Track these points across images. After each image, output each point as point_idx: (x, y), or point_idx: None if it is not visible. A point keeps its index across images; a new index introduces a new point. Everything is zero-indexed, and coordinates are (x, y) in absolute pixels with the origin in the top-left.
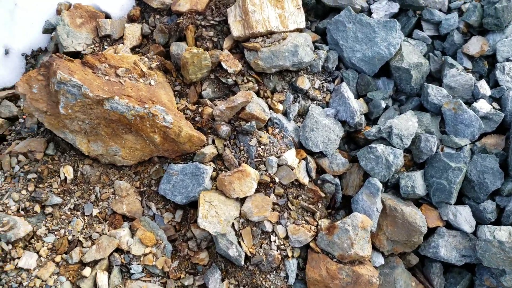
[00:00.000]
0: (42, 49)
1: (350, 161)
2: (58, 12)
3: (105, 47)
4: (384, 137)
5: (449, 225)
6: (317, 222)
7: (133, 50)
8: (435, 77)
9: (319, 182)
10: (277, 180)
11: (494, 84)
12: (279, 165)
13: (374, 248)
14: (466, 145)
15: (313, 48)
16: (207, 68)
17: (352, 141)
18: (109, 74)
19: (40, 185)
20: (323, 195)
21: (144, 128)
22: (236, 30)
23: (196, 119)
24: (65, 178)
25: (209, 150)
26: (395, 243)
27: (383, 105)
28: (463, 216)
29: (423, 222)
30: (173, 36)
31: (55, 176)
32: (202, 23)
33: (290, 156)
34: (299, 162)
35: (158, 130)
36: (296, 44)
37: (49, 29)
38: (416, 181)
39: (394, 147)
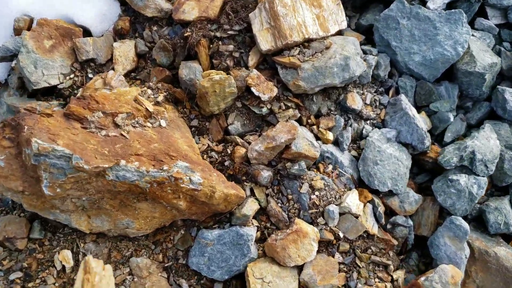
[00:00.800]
0: (1, 82)
1: (417, 190)
2: (17, 31)
3: (90, 75)
4: (466, 165)
5: None
6: (392, 276)
7: (127, 76)
8: (506, 76)
9: (388, 226)
10: (341, 235)
11: None
12: (340, 214)
13: None
14: None
15: (363, 55)
16: (232, 96)
17: (416, 164)
18: (106, 127)
19: (30, 285)
20: (395, 242)
21: (164, 195)
22: (265, 41)
23: (226, 163)
24: (63, 267)
25: (251, 208)
26: None
27: (451, 119)
28: None
29: None
30: (180, 55)
31: (48, 267)
32: (217, 34)
33: (353, 201)
34: (364, 206)
35: (183, 195)
36: (346, 56)
37: (7, 57)
38: (508, 216)
39: (478, 175)
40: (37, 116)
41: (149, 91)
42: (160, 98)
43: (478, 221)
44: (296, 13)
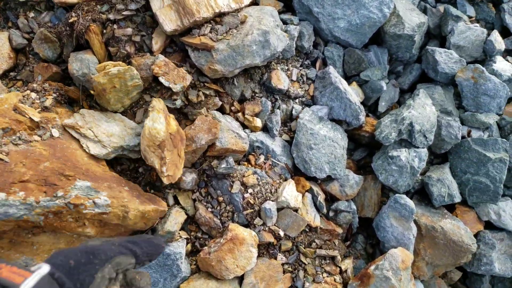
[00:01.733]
0: None
1: (356, 169)
2: None
3: None
4: (405, 138)
5: (488, 225)
6: (340, 268)
7: (4, 77)
8: (433, 34)
9: (331, 214)
10: (281, 233)
11: (506, 32)
12: (278, 209)
13: (414, 276)
14: (493, 123)
15: (283, 26)
16: (137, 89)
17: (351, 139)
18: None
19: None
20: (340, 231)
21: (65, 225)
22: (169, 21)
23: (140, 169)
24: None
25: (176, 221)
26: (437, 267)
27: (384, 87)
28: (508, 213)
29: (471, 238)
30: (68, 45)
31: None
32: (111, 16)
33: (290, 193)
34: (302, 196)
35: (89, 221)
36: (265, 30)
37: None
38: (451, 187)
39: (418, 147)
40: None
41: (33, 95)
42: (49, 101)
43: (421, 194)
44: None
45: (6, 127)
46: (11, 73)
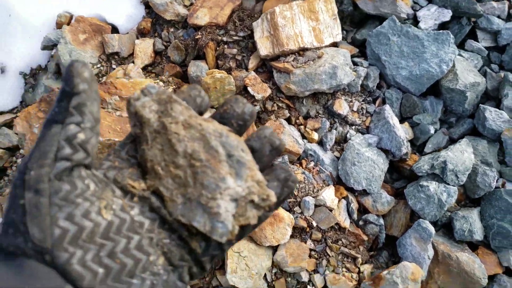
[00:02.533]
0: (42, 67)
1: (393, 194)
2: (58, 25)
3: (113, 66)
4: (437, 174)
5: (509, 271)
6: (359, 268)
7: (145, 69)
8: (491, 96)
9: (361, 223)
10: (314, 224)
11: None
12: (316, 206)
13: None
14: None
15: (352, 66)
16: (230, 93)
17: (396, 170)
18: (120, 109)
19: None
20: (365, 238)
21: None
22: (264, 47)
23: None
24: None
25: None
26: None
27: (432, 131)
28: None
29: (483, 273)
30: (191, 54)
31: None
32: (224, 38)
33: (329, 196)
34: (338, 201)
35: None
36: (335, 65)
37: (49, 46)
38: (473, 224)
39: (448, 184)
40: None
41: (161, 83)
42: (170, 90)
43: (447, 229)
44: (294, 24)
45: None
46: (149, 68)
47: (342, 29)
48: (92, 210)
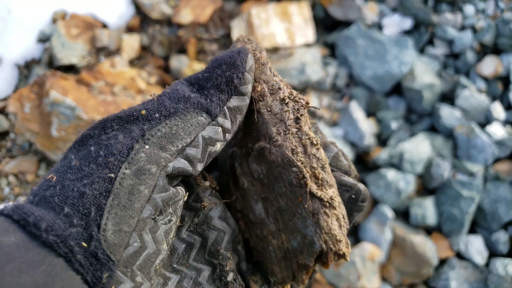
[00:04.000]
0: (35, 60)
1: None
2: (54, 21)
3: (102, 59)
4: (395, 163)
5: (460, 255)
6: None
7: (131, 62)
8: (448, 97)
9: None
10: None
11: (509, 106)
12: None
13: (383, 278)
14: (478, 172)
15: (322, 65)
16: None
17: (361, 163)
18: (105, 93)
19: None
20: None
21: None
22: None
23: None
24: None
25: None
26: (404, 274)
27: (394, 126)
28: (475, 247)
29: (433, 253)
30: (174, 49)
31: None
32: (205, 36)
33: None
34: None
35: None
36: (304, 62)
37: (44, 39)
38: (427, 210)
39: (405, 172)
40: (57, 78)
41: (144, 74)
42: (152, 80)
43: (406, 216)
44: (269, 25)
45: (124, 85)
46: (136, 61)
47: (316, 32)
48: (173, 229)
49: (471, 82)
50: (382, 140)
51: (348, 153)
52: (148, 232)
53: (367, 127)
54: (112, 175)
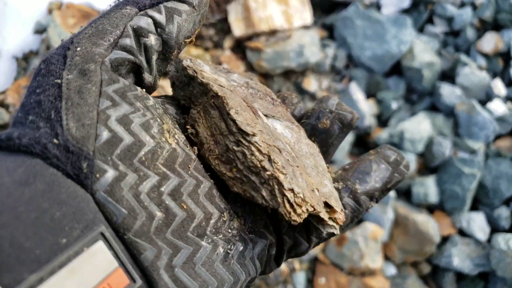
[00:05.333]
0: (33, 52)
1: None
2: (49, 11)
3: None
4: (395, 142)
5: (463, 232)
6: None
7: None
8: (448, 75)
9: None
10: None
11: (510, 82)
12: None
13: (386, 258)
14: (480, 149)
15: (321, 47)
16: None
17: (362, 144)
18: None
19: None
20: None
21: None
22: (238, 29)
23: None
24: None
25: None
26: (407, 253)
27: (394, 106)
28: (477, 223)
29: (435, 231)
30: None
31: None
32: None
33: None
34: None
35: None
36: (302, 44)
37: (40, 30)
38: (428, 188)
39: (405, 151)
40: None
41: None
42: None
43: (408, 196)
44: (265, 8)
45: None
46: None
47: (315, 15)
48: (154, 125)
49: (472, 59)
50: (383, 120)
51: (348, 135)
52: (118, 124)
53: (367, 108)
54: (58, 80)
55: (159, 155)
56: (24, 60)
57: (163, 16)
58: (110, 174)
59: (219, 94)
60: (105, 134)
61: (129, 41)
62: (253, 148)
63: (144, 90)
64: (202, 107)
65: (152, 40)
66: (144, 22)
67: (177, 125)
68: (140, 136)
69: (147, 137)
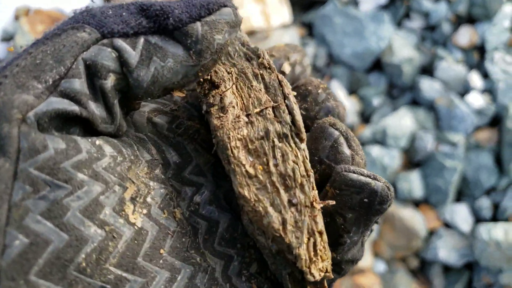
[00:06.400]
0: (1, 60)
1: None
2: (16, 17)
3: None
4: (378, 139)
5: (448, 224)
6: None
7: None
8: (427, 70)
9: None
10: None
11: (485, 75)
12: None
13: (376, 254)
14: (460, 141)
15: (301, 46)
16: None
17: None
18: None
19: None
20: None
21: None
22: None
23: None
24: None
25: None
26: (395, 248)
27: (376, 103)
28: (460, 215)
29: (421, 225)
30: None
31: None
32: None
33: None
34: None
35: None
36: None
37: (8, 38)
38: (413, 183)
39: (390, 147)
40: None
41: None
42: None
43: (394, 192)
44: (242, 8)
45: None
46: None
47: (293, 13)
48: (106, 201)
49: (448, 53)
50: (365, 117)
51: None
52: (44, 219)
53: (349, 105)
54: None
55: (111, 251)
56: None
57: (136, 54)
58: None
59: (282, 70)
60: (17, 244)
61: (77, 84)
62: (299, 155)
63: (99, 140)
64: (238, 70)
65: (111, 80)
66: (105, 56)
67: (160, 165)
68: (80, 230)
69: (91, 229)
